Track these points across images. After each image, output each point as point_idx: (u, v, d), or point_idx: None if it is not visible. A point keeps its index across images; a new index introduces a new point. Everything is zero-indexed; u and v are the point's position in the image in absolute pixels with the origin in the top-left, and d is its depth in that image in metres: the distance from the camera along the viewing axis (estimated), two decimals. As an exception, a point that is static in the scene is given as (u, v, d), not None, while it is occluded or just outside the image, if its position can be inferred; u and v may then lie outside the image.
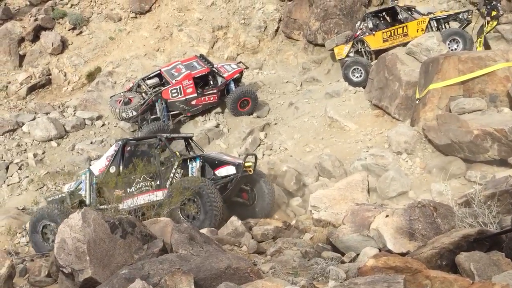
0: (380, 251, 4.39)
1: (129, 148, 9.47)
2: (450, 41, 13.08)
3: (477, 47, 13.20)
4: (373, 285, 2.99)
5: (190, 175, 8.97)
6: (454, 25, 13.82)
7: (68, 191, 9.46)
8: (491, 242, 3.90)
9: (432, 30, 13.47)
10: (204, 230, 6.38)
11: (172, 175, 8.96)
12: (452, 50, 12.80)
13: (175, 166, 8.99)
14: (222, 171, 9.06)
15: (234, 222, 6.86)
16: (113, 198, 8.29)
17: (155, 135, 10.15)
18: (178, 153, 9.48)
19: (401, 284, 2.95)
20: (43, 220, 8.70)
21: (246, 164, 9.05)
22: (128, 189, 8.85)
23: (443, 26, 13.77)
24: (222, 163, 9.17)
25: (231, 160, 9.40)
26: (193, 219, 8.33)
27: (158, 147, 9.28)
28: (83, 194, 9.17)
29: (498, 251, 3.73)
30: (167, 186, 8.87)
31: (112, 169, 9.13)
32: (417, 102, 11.62)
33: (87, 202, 9.02)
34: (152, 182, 8.98)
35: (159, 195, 8.82)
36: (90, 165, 10.61)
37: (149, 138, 10.05)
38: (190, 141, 10.46)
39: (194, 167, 9.06)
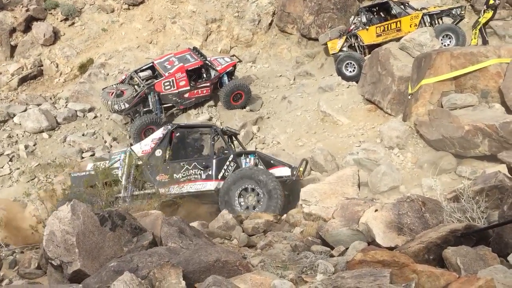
0: (369, 245, 4.42)
1: (178, 134, 9.34)
2: (443, 37, 13.12)
3: (471, 39, 13.23)
4: (359, 279, 3.01)
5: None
6: (447, 20, 13.86)
7: (98, 167, 8.90)
8: (478, 237, 3.93)
9: (425, 26, 13.51)
10: (194, 224, 6.38)
11: (225, 167, 8.91)
12: (445, 45, 12.84)
13: (230, 159, 8.98)
14: (276, 172, 8.97)
15: (225, 215, 6.85)
16: (105, 194, 8.15)
17: (209, 125, 10.16)
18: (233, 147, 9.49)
19: (387, 278, 2.97)
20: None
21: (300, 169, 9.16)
22: (174, 175, 8.78)
23: (436, 22, 13.80)
24: (277, 164, 9.19)
25: (286, 162, 9.41)
26: (253, 208, 8.35)
27: (214, 137, 9.20)
28: (119, 173, 8.85)
29: (485, 246, 3.76)
30: (219, 177, 8.82)
31: (158, 153, 8.99)
32: (409, 97, 11.67)
33: (123, 182, 8.78)
34: (202, 172, 8.87)
35: (207, 186, 8.79)
36: (131, 145, 10.13)
37: (202, 127, 9.98)
38: (235, 138, 10.39)
39: (248, 162, 9.09)
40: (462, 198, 4.72)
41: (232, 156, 9.03)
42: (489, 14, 13.12)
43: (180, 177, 8.75)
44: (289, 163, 9.45)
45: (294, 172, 9.02)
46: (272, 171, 8.93)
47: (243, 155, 9.23)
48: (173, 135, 9.20)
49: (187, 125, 10.00)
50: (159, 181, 8.71)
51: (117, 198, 8.43)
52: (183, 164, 8.84)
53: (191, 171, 8.82)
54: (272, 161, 9.25)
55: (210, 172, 8.84)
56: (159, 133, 9.31)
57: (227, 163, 8.93)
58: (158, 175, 8.77)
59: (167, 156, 8.92)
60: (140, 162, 8.88)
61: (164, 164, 8.81)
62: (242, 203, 8.52)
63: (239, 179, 8.51)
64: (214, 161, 8.89)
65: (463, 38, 13.01)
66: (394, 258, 3.37)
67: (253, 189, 8.46)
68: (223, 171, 8.88)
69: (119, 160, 9.06)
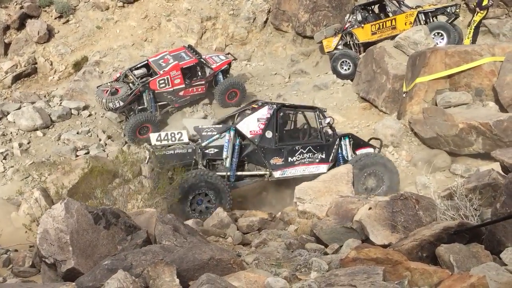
0: (363, 242, 4.44)
1: (281, 114, 9.26)
2: (435, 35, 13.15)
3: (465, 38, 13.28)
4: (353, 276, 3.02)
5: (343, 152, 9.28)
6: (442, 18, 13.89)
7: (194, 145, 8.74)
8: (471, 234, 3.95)
9: (420, 24, 13.53)
10: (189, 222, 6.39)
11: (334, 150, 9.20)
12: (436, 43, 12.87)
13: (337, 142, 9.23)
14: (363, 151, 9.43)
15: (220, 213, 6.87)
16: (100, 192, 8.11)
17: (313, 106, 10.06)
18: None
19: (380, 275, 2.98)
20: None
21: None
22: (289, 159, 8.91)
23: (431, 20, 13.83)
24: (365, 145, 9.62)
25: (369, 143, 9.81)
26: (371, 190, 8.70)
27: (321, 120, 9.26)
28: (224, 155, 8.68)
29: (478, 243, 3.79)
30: (330, 160, 9.14)
31: (268, 134, 8.89)
32: (404, 95, 11.70)
33: (227, 164, 8.69)
34: (316, 155, 9.09)
35: (321, 169, 9.03)
36: (233, 123, 9.73)
37: (305, 108, 9.90)
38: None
39: (346, 145, 9.34)
40: (456, 196, 4.75)
41: (338, 139, 9.28)
42: (483, 13, 13.20)
43: (295, 160, 8.95)
44: None
45: (377, 152, 9.63)
46: (360, 150, 9.41)
47: (341, 138, 9.45)
48: (278, 116, 9.11)
49: (291, 105, 9.79)
50: (273, 164, 8.87)
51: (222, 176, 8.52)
52: (298, 147, 9.01)
53: (305, 154, 9.04)
54: (362, 142, 9.64)
55: (323, 156, 9.14)
56: (264, 112, 9.00)
57: (335, 146, 9.23)
58: (272, 158, 8.86)
59: (277, 138, 8.93)
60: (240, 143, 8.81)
61: (276, 146, 8.89)
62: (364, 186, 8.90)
63: (367, 166, 8.88)
64: (328, 144, 9.18)
65: (454, 36, 13.02)
66: (387, 255, 3.39)
67: (374, 174, 8.89)
68: (333, 154, 9.18)
69: (218, 138, 8.76)
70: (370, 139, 10.03)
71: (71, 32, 17.09)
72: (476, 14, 13.21)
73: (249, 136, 8.81)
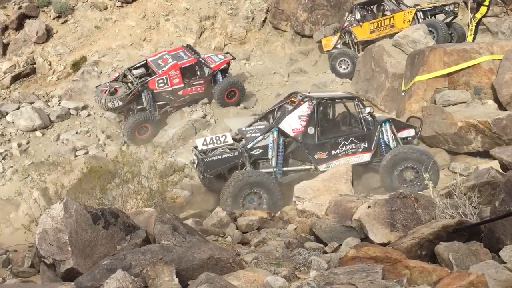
0: (362, 241, 4.44)
1: (321, 108, 9.30)
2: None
3: (467, 36, 13.28)
4: (352, 275, 3.02)
5: (384, 137, 9.31)
6: (440, 17, 13.90)
7: (240, 147, 9.04)
8: (470, 232, 3.96)
9: (419, 22, 13.54)
10: (188, 221, 6.38)
11: (376, 138, 9.23)
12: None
13: (378, 129, 9.25)
14: (404, 133, 9.51)
15: (219, 213, 6.85)
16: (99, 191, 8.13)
17: (352, 96, 10.06)
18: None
19: (380, 273, 2.99)
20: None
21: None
22: (333, 152, 9.02)
23: (430, 18, 13.83)
24: (406, 127, 9.71)
25: (411, 125, 9.88)
26: (410, 182, 8.78)
27: (361, 109, 9.27)
28: (269, 155, 8.92)
29: (477, 241, 3.79)
30: (372, 148, 9.20)
31: (311, 131, 8.99)
32: (403, 94, 11.71)
33: (273, 163, 8.91)
34: (359, 145, 9.17)
35: (364, 158, 9.17)
36: (273, 118, 9.94)
37: (344, 98, 9.86)
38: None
39: (387, 130, 9.35)
40: (455, 194, 4.75)
41: (379, 126, 9.30)
42: (483, 10, 13.17)
43: (338, 152, 9.07)
44: None
45: (417, 132, 9.73)
46: (401, 132, 9.48)
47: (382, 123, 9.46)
48: (318, 110, 9.19)
49: (330, 97, 9.83)
50: (317, 159, 9.00)
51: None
52: (340, 140, 9.09)
53: (348, 146, 9.13)
54: (402, 125, 9.68)
55: (366, 145, 9.20)
56: (304, 109, 9.06)
57: (376, 133, 9.27)
58: (316, 153, 8.98)
59: (319, 133, 9.02)
60: (284, 141, 8.99)
61: (319, 141, 8.99)
62: (402, 179, 8.89)
63: (403, 160, 8.85)
64: (369, 133, 9.21)
65: (443, 34, 12.96)
66: (386, 254, 3.39)
67: (413, 167, 8.84)
68: (374, 141, 9.24)
69: (262, 139, 9.01)
70: (409, 117, 10.04)
71: (69, 32, 17.08)
72: (477, 12, 13.20)
73: (292, 134, 8.99)
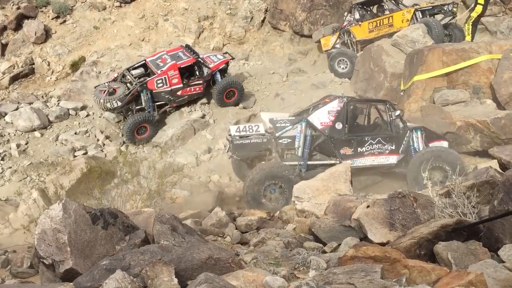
0: (361, 241, 4.44)
1: (351, 107, 9.49)
2: None
3: (465, 35, 13.29)
4: (351, 275, 3.03)
5: (414, 144, 9.36)
6: (439, 17, 13.91)
7: (269, 135, 9.30)
8: (469, 232, 3.96)
9: (418, 21, 13.54)
10: (187, 221, 6.38)
11: (404, 142, 9.32)
12: None
13: (407, 134, 9.34)
14: (435, 144, 9.46)
15: (218, 213, 6.86)
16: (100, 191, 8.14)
17: (384, 100, 10.21)
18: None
19: (379, 273, 2.99)
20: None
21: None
22: (359, 149, 9.18)
23: (428, 18, 13.83)
24: (438, 138, 9.63)
25: (444, 136, 9.83)
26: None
27: (391, 113, 9.37)
28: (296, 145, 9.16)
29: (476, 240, 3.79)
30: (399, 152, 9.30)
31: (338, 126, 9.21)
32: (401, 93, 11.72)
33: (299, 153, 9.13)
34: (386, 146, 9.28)
35: (390, 160, 9.29)
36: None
37: (375, 102, 10.14)
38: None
39: (418, 137, 9.40)
40: (454, 194, 4.75)
41: (409, 131, 9.38)
42: (479, 8, 13.16)
43: (364, 150, 9.21)
44: None
45: (451, 146, 9.59)
46: (433, 143, 9.47)
47: (412, 130, 9.53)
48: (348, 108, 9.39)
49: (361, 99, 10.16)
50: (342, 154, 9.17)
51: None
52: (367, 138, 9.24)
53: (375, 145, 9.27)
54: (435, 136, 9.64)
55: (393, 147, 9.32)
56: (334, 105, 9.36)
57: (405, 138, 9.36)
58: (341, 148, 9.19)
59: (346, 130, 9.20)
60: (312, 134, 9.18)
61: (346, 137, 9.18)
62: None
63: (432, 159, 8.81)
64: (397, 136, 9.33)
65: (437, 32, 12.95)
66: (385, 253, 3.39)
67: (440, 167, 8.85)
68: (403, 145, 9.33)
69: (290, 129, 9.25)
70: (446, 133, 10.04)
71: (68, 32, 17.06)
72: (473, 11, 13.21)
73: (319, 127, 9.24)
